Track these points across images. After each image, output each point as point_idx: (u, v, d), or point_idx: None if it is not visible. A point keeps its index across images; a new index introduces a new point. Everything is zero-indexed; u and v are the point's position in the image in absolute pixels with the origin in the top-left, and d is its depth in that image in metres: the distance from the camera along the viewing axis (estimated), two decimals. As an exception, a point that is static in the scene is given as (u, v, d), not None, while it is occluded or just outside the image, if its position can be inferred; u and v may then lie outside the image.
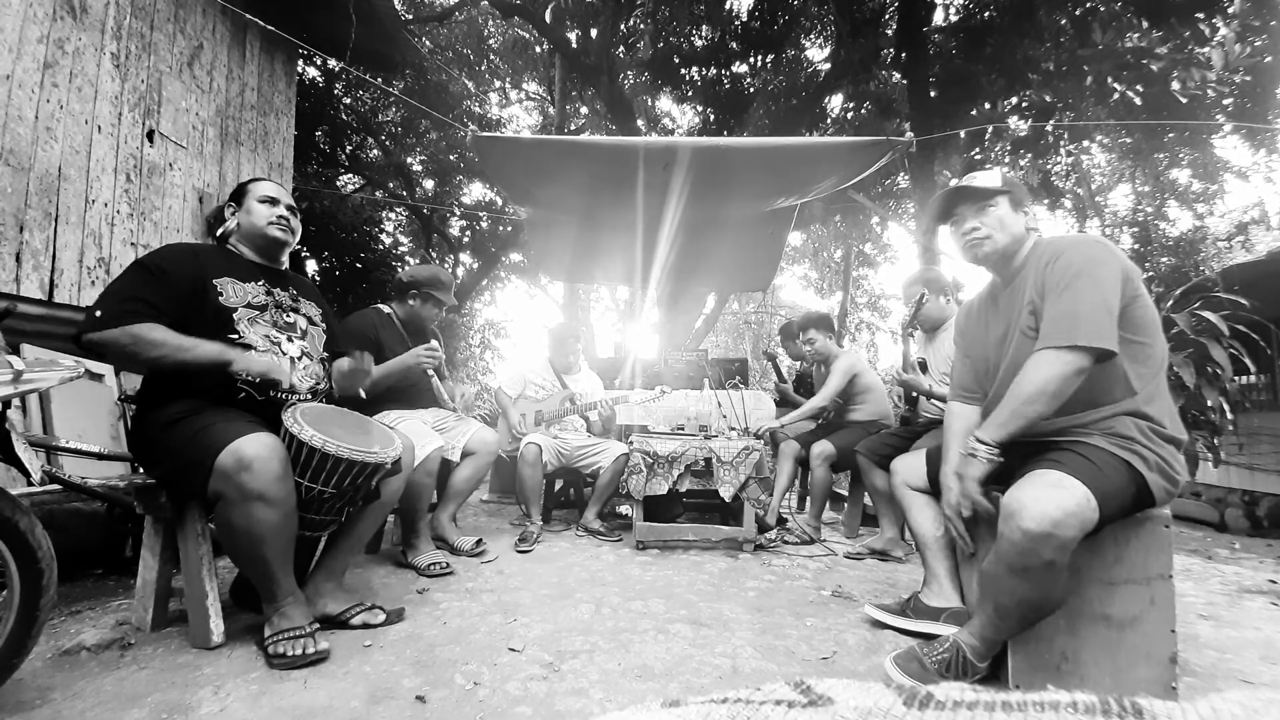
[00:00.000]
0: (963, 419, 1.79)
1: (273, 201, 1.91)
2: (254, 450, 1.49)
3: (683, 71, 9.11)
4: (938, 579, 1.88)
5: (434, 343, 2.62)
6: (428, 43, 10.21)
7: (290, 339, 1.85)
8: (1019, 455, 1.50)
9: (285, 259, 2.01)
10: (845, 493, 3.81)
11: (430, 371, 2.87)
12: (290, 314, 1.91)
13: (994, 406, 1.66)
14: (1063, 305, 1.40)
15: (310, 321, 1.96)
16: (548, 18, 9.22)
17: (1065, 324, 1.38)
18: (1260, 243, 10.24)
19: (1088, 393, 1.43)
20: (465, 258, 12.50)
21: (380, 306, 2.83)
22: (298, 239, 1.99)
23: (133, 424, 1.74)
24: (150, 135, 3.62)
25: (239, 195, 1.92)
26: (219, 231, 1.92)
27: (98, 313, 1.58)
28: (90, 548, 2.36)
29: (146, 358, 1.60)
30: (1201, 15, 5.77)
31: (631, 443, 3.13)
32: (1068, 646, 1.44)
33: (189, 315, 1.68)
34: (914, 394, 2.86)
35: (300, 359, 1.85)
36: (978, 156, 8.70)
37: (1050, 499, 1.27)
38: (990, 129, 8.02)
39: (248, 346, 1.73)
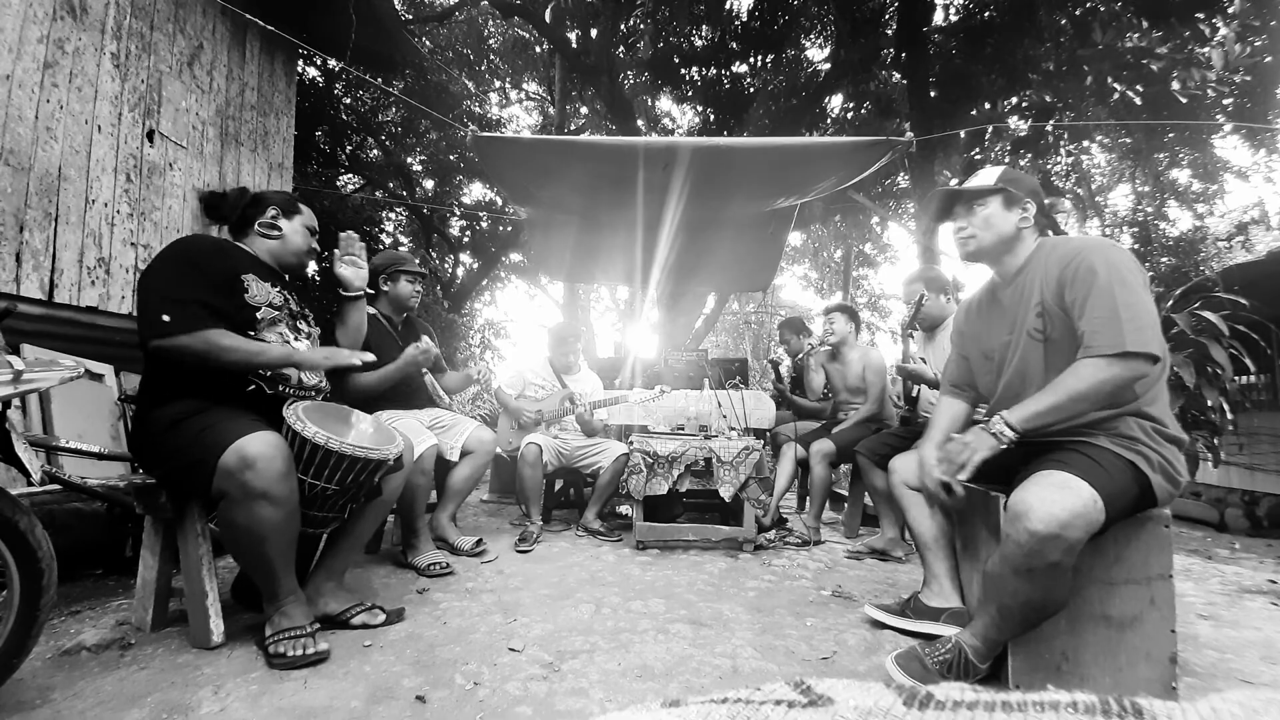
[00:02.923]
0: (949, 411, 1.83)
1: (313, 232, 2.02)
2: (257, 449, 1.49)
3: (683, 71, 9.11)
4: (938, 579, 1.88)
5: (424, 340, 2.64)
6: (428, 43, 10.20)
7: (298, 339, 1.88)
8: (1022, 456, 1.50)
9: None
10: (845, 493, 3.81)
11: (425, 370, 2.88)
12: (301, 320, 1.95)
13: (1000, 406, 1.66)
14: (1101, 311, 1.38)
15: (311, 325, 2.01)
16: (548, 18, 9.22)
17: (1108, 331, 1.36)
18: (1260, 243, 10.23)
19: None
20: (465, 258, 12.50)
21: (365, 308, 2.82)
22: None
23: (134, 424, 1.74)
24: (150, 135, 3.62)
25: (286, 207, 1.96)
26: (255, 225, 1.92)
27: (165, 318, 1.58)
28: (90, 548, 2.36)
29: (220, 362, 1.63)
30: (1201, 15, 5.77)
31: (631, 443, 3.13)
32: (1068, 646, 1.44)
33: (226, 305, 1.71)
34: (914, 393, 2.86)
35: None
36: (978, 156, 8.70)
37: (1057, 500, 1.27)
38: (990, 129, 8.03)
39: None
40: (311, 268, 8.12)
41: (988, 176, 1.67)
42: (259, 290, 1.80)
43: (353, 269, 2.10)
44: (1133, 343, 1.34)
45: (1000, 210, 1.62)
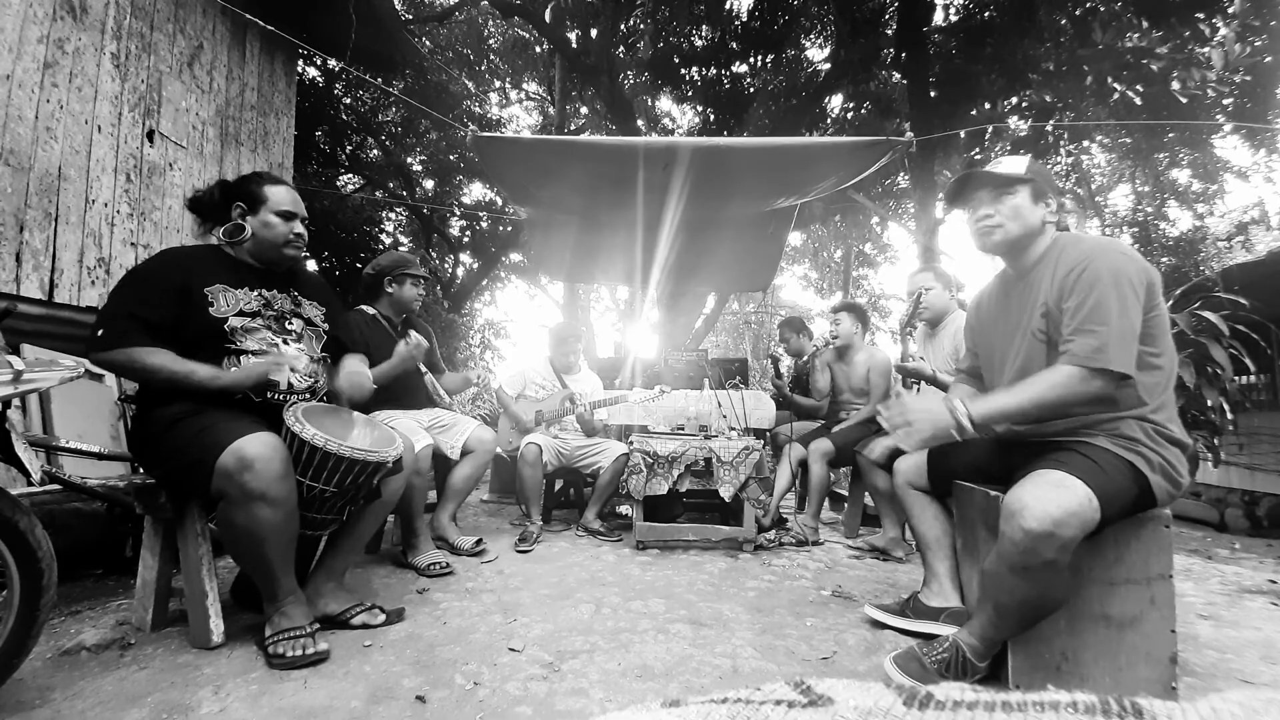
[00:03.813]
0: (960, 393, 1.81)
1: (290, 216, 1.84)
2: (256, 450, 1.49)
3: (683, 71, 9.10)
4: (938, 579, 1.88)
5: (411, 335, 2.57)
6: (428, 43, 10.20)
7: (286, 342, 1.82)
8: (1022, 455, 1.50)
9: None
10: (845, 493, 3.81)
11: (424, 369, 2.87)
12: (291, 319, 1.87)
13: None
14: (1098, 324, 1.37)
15: (308, 323, 1.92)
16: (548, 18, 9.22)
17: (1099, 345, 1.35)
18: (1260, 243, 10.23)
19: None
20: (465, 258, 12.50)
21: (363, 309, 2.79)
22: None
23: (133, 424, 1.74)
24: (150, 135, 3.62)
25: (251, 197, 1.83)
26: (221, 231, 1.84)
27: (99, 332, 1.62)
28: (90, 548, 2.36)
29: (146, 380, 1.66)
30: (1201, 15, 5.76)
31: (631, 443, 3.13)
32: (1068, 646, 1.44)
33: (181, 322, 1.68)
34: (915, 392, 2.86)
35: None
36: (978, 156, 8.69)
37: (1052, 499, 1.27)
38: (990, 129, 8.02)
39: (243, 353, 1.72)
40: (311, 267, 8.17)
41: (1016, 165, 1.60)
42: (226, 300, 1.73)
43: None
44: (1117, 362, 1.34)
45: (1029, 202, 1.57)
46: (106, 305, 1.68)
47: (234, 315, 1.74)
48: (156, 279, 1.71)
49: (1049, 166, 8.57)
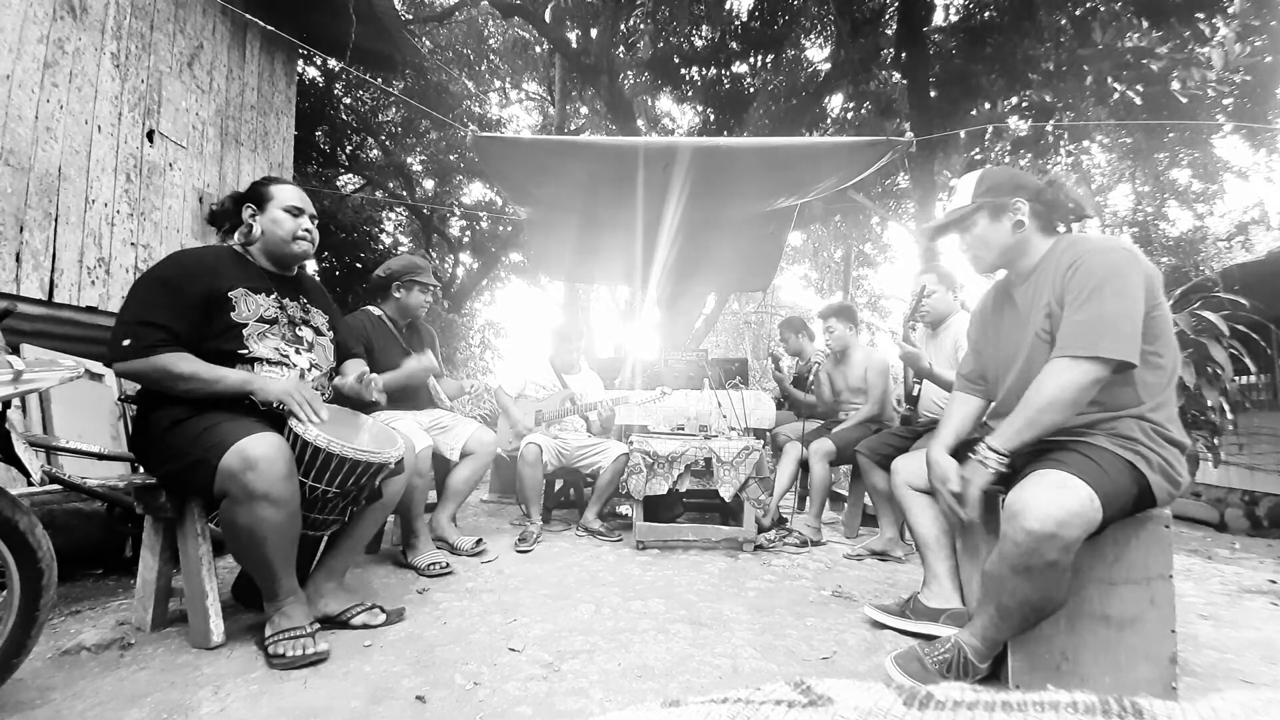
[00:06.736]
0: (962, 408, 1.80)
1: (298, 212, 1.85)
2: (260, 450, 1.49)
3: (683, 71, 9.11)
4: (938, 579, 1.88)
5: (427, 353, 2.67)
6: (428, 43, 10.21)
7: (299, 351, 1.83)
8: (1022, 455, 1.50)
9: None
10: (845, 493, 3.81)
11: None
12: (301, 326, 1.88)
13: (1004, 407, 1.65)
14: (1084, 314, 1.38)
15: (318, 332, 1.94)
16: (548, 18, 9.22)
17: (1085, 333, 1.36)
18: (1260, 243, 10.23)
19: (1095, 399, 1.42)
20: (465, 258, 12.51)
21: (370, 309, 2.81)
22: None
23: (135, 424, 1.74)
24: (150, 135, 3.62)
25: (259, 198, 1.85)
26: (235, 234, 1.86)
27: (125, 342, 1.58)
28: (90, 548, 2.36)
29: (176, 390, 1.60)
30: (1201, 15, 5.76)
31: (631, 443, 3.13)
32: (1068, 646, 1.43)
33: (200, 327, 1.67)
34: (916, 393, 2.86)
35: (310, 370, 1.84)
36: (978, 156, 8.69)
37: (1054, 499, 1.27)
38: (990, 129, 8.02)
39: (255, 360, 1.72)
40: (311, 267, 8.16)
41: (964, 191, 1.64)
42: (247, 306, 1.74)
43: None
44: (1106, 348, 1.34)
45: (988, 224, 1.60)
46: (130, 311, 1.63)
47: (254, 320, 1.74)
48: (183, 285, 1.66)
49: (1049, 166, 8.57)
